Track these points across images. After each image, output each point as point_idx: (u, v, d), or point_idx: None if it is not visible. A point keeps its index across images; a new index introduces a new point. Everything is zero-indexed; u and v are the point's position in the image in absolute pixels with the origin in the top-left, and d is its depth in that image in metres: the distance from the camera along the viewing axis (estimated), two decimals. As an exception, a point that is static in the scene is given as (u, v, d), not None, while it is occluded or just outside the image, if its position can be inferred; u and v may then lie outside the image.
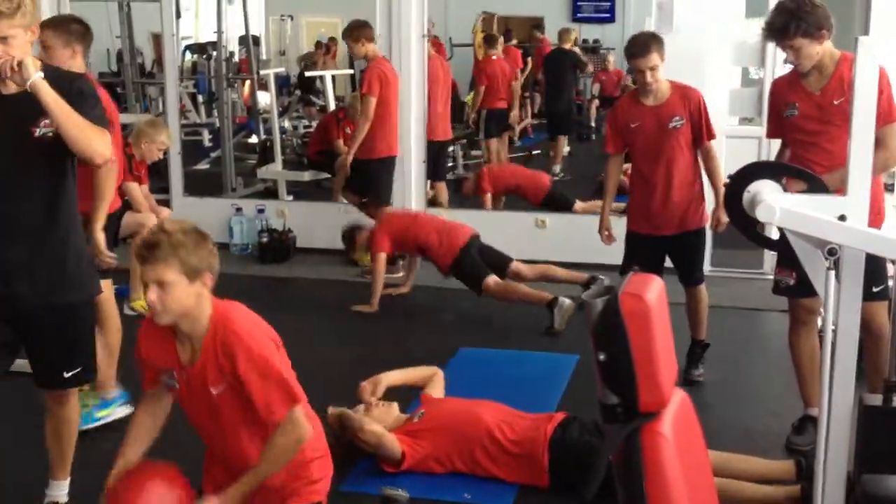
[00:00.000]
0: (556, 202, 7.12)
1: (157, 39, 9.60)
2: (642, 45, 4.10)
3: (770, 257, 5.64)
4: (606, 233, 4.53)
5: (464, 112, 9.58)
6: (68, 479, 3.11)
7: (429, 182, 6.98)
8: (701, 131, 4.20)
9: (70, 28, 3.76)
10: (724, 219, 4.16)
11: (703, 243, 4.41)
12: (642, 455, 1.83)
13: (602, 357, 1.92)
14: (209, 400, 2.29)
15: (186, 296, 2.20)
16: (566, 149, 9.62)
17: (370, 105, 6.03)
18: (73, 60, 3.68)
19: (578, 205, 7.06)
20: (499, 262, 5.45)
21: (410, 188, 6.66)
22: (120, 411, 3.87)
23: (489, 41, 9.05)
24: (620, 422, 1.89)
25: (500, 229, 6.50)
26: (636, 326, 1.86)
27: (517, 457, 3.38)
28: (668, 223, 4.27)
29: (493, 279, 5.30)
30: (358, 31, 6.15)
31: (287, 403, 2.27)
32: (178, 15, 7.34)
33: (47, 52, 3.66)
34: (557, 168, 9.16)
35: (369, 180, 6.21)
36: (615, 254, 4.83)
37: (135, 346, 2.59)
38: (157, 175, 6.66)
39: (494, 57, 8.92)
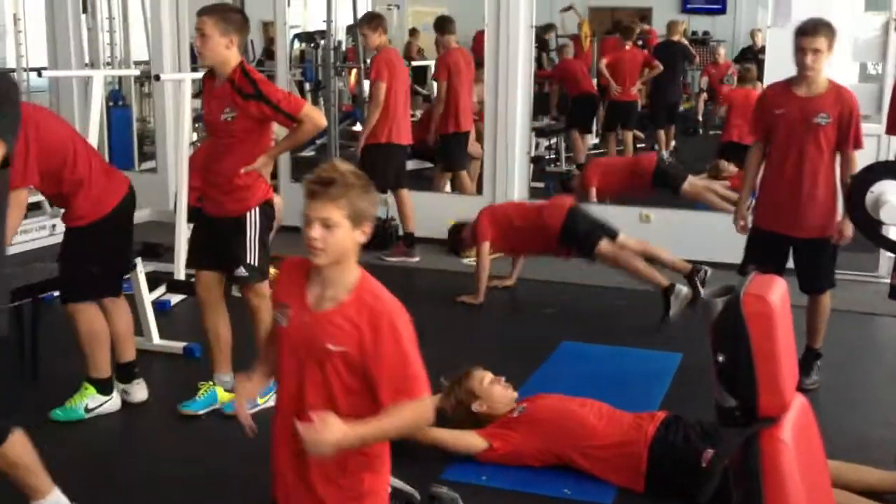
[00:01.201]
0: (667, 175, 6.98)
1: (266, 28, 9.80)
2: (813, 25, 3.97)
3: (886, 260, 5.44)
4: (742, 223, 4.36)
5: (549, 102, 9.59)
6: None
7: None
8: (847, 137, 4.00)
9: (230, 17, 3.69)
10: (848, 232, 3.98)
11: (831, 252, 4.16)
12: (761, 461, 1.79)
13: (721, 358, 1.87)
14: (317, 351, 2.17)
15: (347, 239, 2.12)
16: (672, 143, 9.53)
17: (381, 91, 6.12)
18: (228, 51, 3.65)
19: (690, 180, 6.92)
20: (607, 229, 5.35)
21: (514, 179, 6.66)
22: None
23: (625, 33, 9.09)
24: (738, 426, 1.85)
25: (605, 222, 6.44)
26: (758, 328, 1.81)
27: (616, 457, 3.33)
28: (797, 224, 4.07)
29: (606, 242, 5.20)
30: (377, 20, 6.38)
31: (422, 390, 2.16)
32: (288, 3, 7.48)
33: (203, 40, 3.62)
34: (665, 154, 9.16)
35: (363, 165, 6.21)
36: (721, 251, 4.73)
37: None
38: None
39: (627, 47, 8.94)
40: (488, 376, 3.63)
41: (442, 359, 3.88)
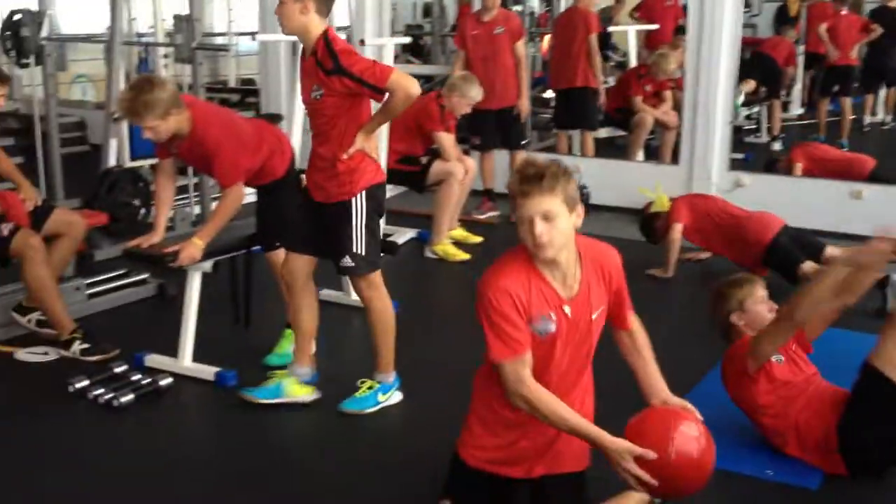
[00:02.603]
0: (881, 180, 6.50)
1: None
2: None
3: None
4: None
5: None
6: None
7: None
8: None
9: None
10: None
11: None
12: None
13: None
14: (588, 328, 2.37)
15: (568, 226, 2.22)
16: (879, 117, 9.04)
17: (525, 51, 6.65)
18: (303, 16, 3.35)
19: None
20: (811, 248, 5.13)
21: (714, 148, 6.49)
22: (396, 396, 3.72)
23: None
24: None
25: (810, 198, 6.18)
26: None
27: (817, 441, 3.20)
28: None
29: (809, 264, 4.96)
30: None
31: None
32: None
33: (280, 7, 3.38)
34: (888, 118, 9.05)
35: (479, 127, 6.63)
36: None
37: (495, 309, 2.28)
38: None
39: (844, 12, 8.75)
40: (764, 294, 3.53)
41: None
